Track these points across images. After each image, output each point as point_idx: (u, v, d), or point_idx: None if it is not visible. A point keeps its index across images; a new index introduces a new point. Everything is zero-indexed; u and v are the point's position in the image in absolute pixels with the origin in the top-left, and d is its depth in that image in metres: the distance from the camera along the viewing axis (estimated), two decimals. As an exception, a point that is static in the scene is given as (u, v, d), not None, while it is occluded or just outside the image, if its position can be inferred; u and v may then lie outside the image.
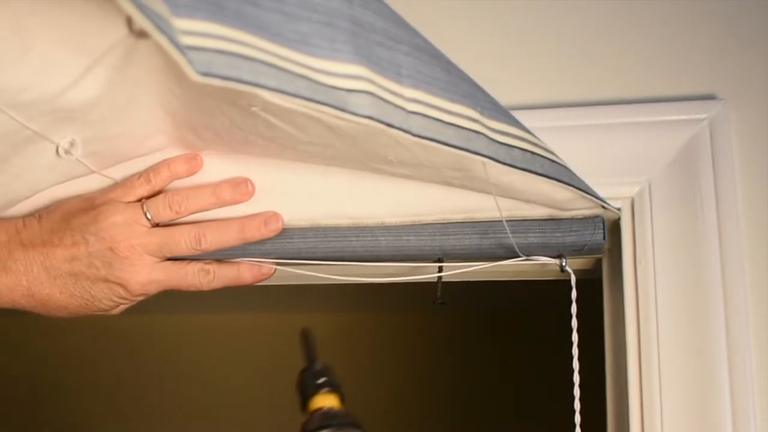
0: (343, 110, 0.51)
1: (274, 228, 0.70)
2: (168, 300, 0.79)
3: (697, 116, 0.69)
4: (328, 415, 0.66)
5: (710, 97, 0.71)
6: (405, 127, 0.54)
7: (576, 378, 0.68)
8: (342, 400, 0.67)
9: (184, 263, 0.69)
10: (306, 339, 0.71)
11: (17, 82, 0.58)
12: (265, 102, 0.52)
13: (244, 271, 0.71)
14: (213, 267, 0.70)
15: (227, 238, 0.69)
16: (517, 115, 0.65)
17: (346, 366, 1.80)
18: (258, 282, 0.72)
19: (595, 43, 0.75)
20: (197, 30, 0.43)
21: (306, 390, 0.68)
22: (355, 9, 0.53)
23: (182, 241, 0.68)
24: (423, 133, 0.55)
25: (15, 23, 0.55)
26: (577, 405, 0.67)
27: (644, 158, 0.69)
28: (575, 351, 0.68)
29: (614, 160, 0.70)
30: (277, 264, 0.72)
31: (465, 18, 0.78)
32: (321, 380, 0.68)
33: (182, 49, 0.42)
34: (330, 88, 0.50)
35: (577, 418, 0.67)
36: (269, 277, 0.72)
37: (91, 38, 0.58)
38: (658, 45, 0.73)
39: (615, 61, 0.74)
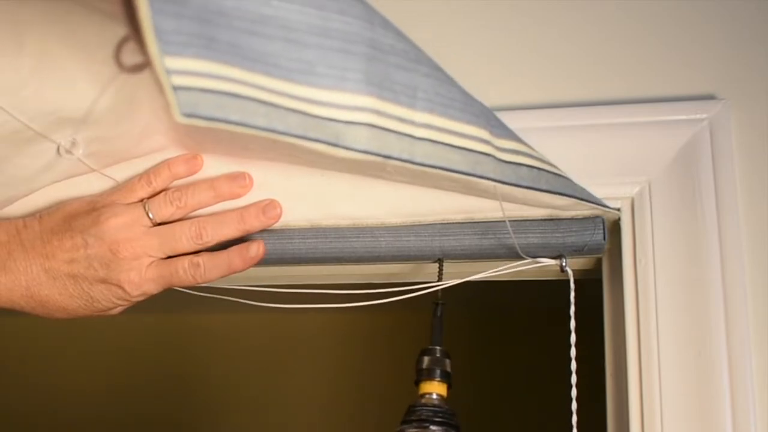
0: (336, 146, 0.50)
1: (272, 215, 0.69)
2: (167, 299, 0.79)
3: (697, 116, 0.69)
4: (434, 409, 0.67)
5: (710, 97, 0.71)
6: (405, 156, 0.54)
7: (573, 378, 0.68)
8: (449, 389, 0.70)
9: (174, 259, 0.68)
10: (437, 320, 0.71)
11: (15, 78, 0.58)
12: None
13: (234, 258, 0.68)
14: (202, 259, 0.68)
15: (227, 229, 0.68)
16: (518, 115, 0.65)
17: (345, 365, 1.80)
18: (251, 265, 0.69)
19: (594, 43, 0.75)
20: (185, 69, 0.42)
21: (422, 371, 0.70)
22: (377, 30, 0.52)
23: (183, 237, 0.67)
24: (427, 161, 0.55)
25: (10, 17, 0.55)
26: (574, 405, 0.67)
27: (644, 158, 0.69)
28: (573, 350, 0.68)
29: (614, 160, 0.70)
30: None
31: (464, 18, 0.78)
32: (438, 367, 0.69)
33: (172, 89, 0.41)
34: (326, 121, 0.49)
35: (574, 419, 0.67)
36: (261, 257, 0.69)
37: (87, 36, 0.58)
38: (658, 45, 0.73)
39: (615, 61, 0.74)
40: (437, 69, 0.57)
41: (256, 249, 0.69)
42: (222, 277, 0.69)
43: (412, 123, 0.54)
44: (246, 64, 0.45)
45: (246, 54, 0.45)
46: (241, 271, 0.69)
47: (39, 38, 0.57)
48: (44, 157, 0.67)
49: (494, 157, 0.59)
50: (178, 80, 0.42)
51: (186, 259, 0.68)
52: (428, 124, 0.54)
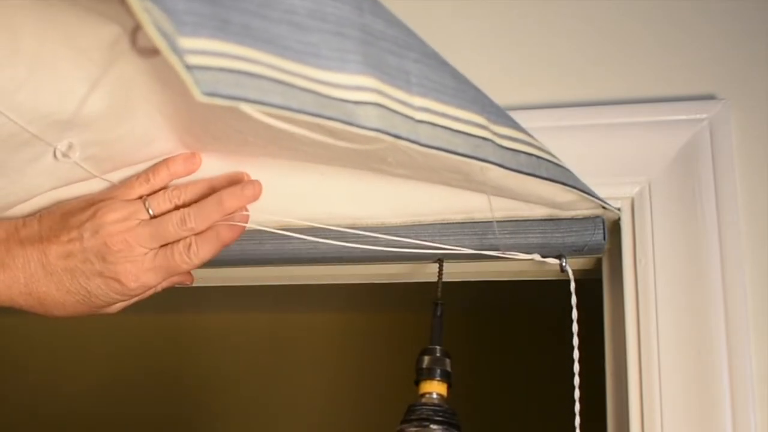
0: (350, 124, 0.51)
1: (250, 194, 0.69)
2: (167, 300, 0.79)
3: (697, 116, 0.69)
4: (435, 408, 0.67)
5: (710, 97, 0.71)
6: (413, 137, 0.54)
7: (576, 380, 0.68)
8: (449, 389, 0.70)
9: (169, 245, 0.68)
10: (437, 320, 0.71)
11: (11, 80, 0.58)
12: None
13: (222, 231, 0.69)
14: (193, 239, 0.68)
15: (209, 211, 0.68)
16: (517, 115, 0.65)
17: (345, 365, 1.79)
18: (238, 236, 0.70)
19: (594, 43, 0.75)
20: (202, 48, 0.42)
21: (422, 370, 0.70)
22: (366, 17, 0.53)
23: (170, 224, 0.68)
24: (431, 143, 0.55)
25: (4, 19, 0.55)
26: (577, 407, 0.67)
27: (644, 158, 0.69)
28: (575, 351, 0.68)
29: (614, 160, 0.70)
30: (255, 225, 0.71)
31: (465, 17, 0.78)
32: (438, 366, 0.69)
33: (188, 68, 0.41)
34: (337, 101, 0.50)
35: (577, 421, 0.67)
36: (244, 229, 0.70)
37: (82, 38, 0.58)
38: (658, 45, 0.73)
39: (615, 61, 0.74)
40: (427, 56, 0.57)
41: (241, 220, 0.69)
42: (216, 251, 0.68)
43: (411, 106, 0.54)
44: (260, 45, 0.46)
45: (259, 35, 0.46)
46: (231, 242, 0.69)
47: (34, 40, 0.57)
48: (42, 161, 0.66)
49: (493, 141, 0.59)
50: (196, 60, 0.42)
51: (179, 243, 0.68)
52: (425, 108, 0.55)
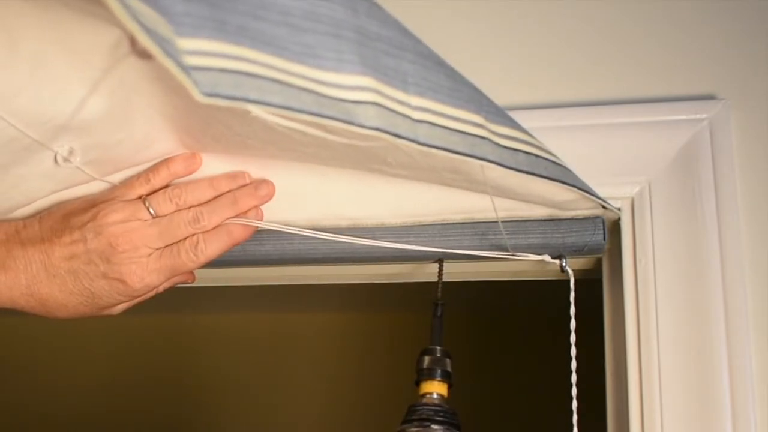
0: (350, 123, 0.51)
1: (264, 193, 0.69)
2: (168, 299, 0.79)
3: (697, 116, 0.69)
4: (435, 408, 0.68)
5: (710, 97, 0.71)
6: (412, 136, 0.54)
7: (573, 377, 0.68)
8: (449, 389, 0.70)
9: (175, 244, 0.68)
10: (437, 320, 0.72)
11: (11, 85, 0.58)
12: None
13: (235, 230, 0.68)
14: (200, 236, 0.68)
15: (223, 211, 0.68)
16: (518, 115, 0.65)
17: (345, 365, 1.79)
18: (250, 235, 0.69)
19: (595, 43, 0.75)
20: (201, 49, 0.43)
21: (422, 371, 0.70)
22: (361, 18, 0.53)
23: (181, 222, 0.67)
24: (430, 142, 0.55)
25: (3, 24, 0.55)
26: (574, 404, 0.67)
27: (644, 158, 0.69)
28: (573, 350, 0.68)
29: (614, 160, 0.70)
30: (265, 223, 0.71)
31: (465, 18, 0.78)
32: (439, 367, 0.69)
33: (186, 69, 0.41)
34: (337, 101, 0.50)
35: (575, 418, 0.67)
36: (257, 228, 0.70)
37: (82, 41, 0.58)
38: (658, 45, 0.73)
39: (615, 61, 0.74)
40: (422, 56, 0.57)
41: (255, 218, 0.69)
42: (224, 250, 0.68)
43: (409, 105, 0.54)
44: (258, 45, 0.46)
45: (256, 36, 0.46)
46: (243, 241, 0.69)
47: (33, 45, 0.57)
48: (42, 165, 0.66)
49: (491, 140, 0.59)
50: (195, 61, 0.42)
51: (186, 241, 0.68)
52: (423, 107, 0.55)
